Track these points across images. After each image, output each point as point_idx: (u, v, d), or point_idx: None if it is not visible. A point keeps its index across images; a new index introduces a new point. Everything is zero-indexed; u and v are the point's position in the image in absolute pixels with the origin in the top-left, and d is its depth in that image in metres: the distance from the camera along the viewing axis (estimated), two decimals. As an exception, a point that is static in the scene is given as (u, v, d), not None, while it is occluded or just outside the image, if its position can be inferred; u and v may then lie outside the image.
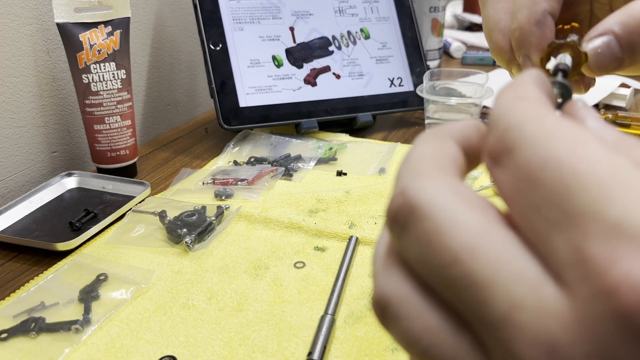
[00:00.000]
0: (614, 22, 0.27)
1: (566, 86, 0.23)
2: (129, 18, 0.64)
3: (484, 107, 0.86)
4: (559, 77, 0.24)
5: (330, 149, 0.72)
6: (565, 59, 0.28)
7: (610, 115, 0.79)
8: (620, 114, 0.80)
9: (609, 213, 0.13)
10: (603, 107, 0.89)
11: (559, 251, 0.14)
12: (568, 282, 0.13)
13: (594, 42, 0.27)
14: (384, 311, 0.17)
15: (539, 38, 0.29)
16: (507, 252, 0.14)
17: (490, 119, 0.17)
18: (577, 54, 0.28)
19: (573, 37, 0.30)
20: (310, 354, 0.37)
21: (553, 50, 0.29)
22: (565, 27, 0.36)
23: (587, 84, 0.33)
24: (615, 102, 0.89)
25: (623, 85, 0.90)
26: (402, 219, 0.16)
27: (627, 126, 0.79)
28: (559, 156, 0.14)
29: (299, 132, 0.77)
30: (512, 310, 0.14)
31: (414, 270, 0.16)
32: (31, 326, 0.41)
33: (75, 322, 0.41)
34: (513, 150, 0.15)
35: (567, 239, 0.13)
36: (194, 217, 0.53)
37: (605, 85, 0.89)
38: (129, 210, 0.57)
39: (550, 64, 0.29)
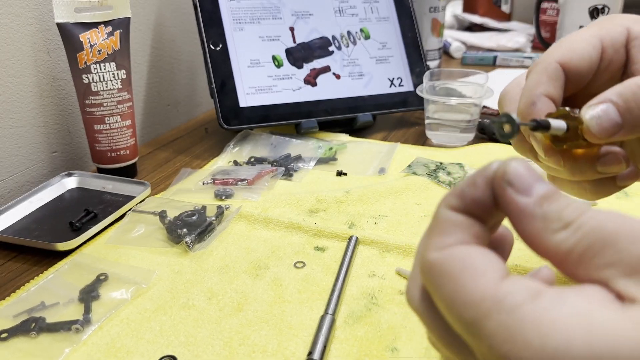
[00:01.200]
0: (611, 93, 0.31)
1: (512, 119, 0.27)
2: (129, 18, 0.64)
3: (484, 107, 0.86)
4: (513, 115, 0.27)
5: (330, 149, 0.72)
6: (559, 123, 0.31)
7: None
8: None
9: (481, 349, 0.20)
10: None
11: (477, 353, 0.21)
12: None
13: (593, 109, 0.31)
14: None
15: (536, 115, 0.34)
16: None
17: None
18: (571, 118, 0.32)
19: (574, 110, 0.33)
20: (310, 353, 0.37)
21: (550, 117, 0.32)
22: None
23: (636, 174, 0.37)
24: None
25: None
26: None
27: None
28: (452, 301, 0.21)
29: (299, 132, 0.77)
30: None
31: None
32: (31, 326, 0.41)
33: (75, 322, 0.41)
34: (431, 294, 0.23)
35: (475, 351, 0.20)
36: (194, 217, 0.53)
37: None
38: (129, 210, 0.57)
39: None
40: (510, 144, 0.37)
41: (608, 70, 0.36)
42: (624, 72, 0.36)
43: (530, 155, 0.38)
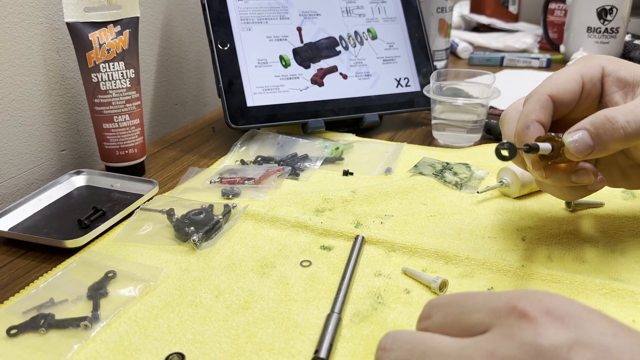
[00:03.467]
0: (586, 122, 0.41)
1: (512, 145, 0.39)
2: (137, 18, 0.64)
3: (491, 107, 0.86)
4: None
5: (337, 148, 0.72)
6: (546, 145, 0.41)
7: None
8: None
9: None
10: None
11: None
12: None
13: (572, 135, 0.41)
14: None
15: (529, 137, 0.43)
16: None
17: None
18: (556, 142, 0.42)
19: (558, 134, 0.42)
20: (317, 352, 0.38)
21: (539, 141, 0.42)
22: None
23: (603, 181, 0.45)
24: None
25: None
26: None
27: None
28: None
29: (305, 131, 0.77)
30: None
31: None
32: (40, 322, 0.41)
33: (84, 318, 0.41)
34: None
35: None
36: (201, 216, 0.54)
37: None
38: (137, 208, 0.57)
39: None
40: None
41: (587, 100, 0.46)
42: (600, 101, 0.46)
43: (521, 166, 0.48)
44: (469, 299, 0.28)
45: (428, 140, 0.78)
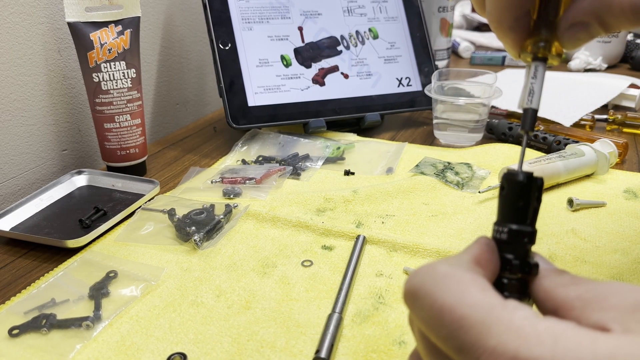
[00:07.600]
0: (587, 10, 0.32)
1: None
2: (139, 17, 0.64)
3: (493, 107, 0.86)
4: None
5: (338, 148, 0.72)
6: (539, 70, 0.32)
7: (619, 116, 0.79)
8: (630, 114, 0.79)
9: (489, 342, 0.21)
10: (612, 107, 0.89)
11: None
12: None
13: (572, 31, 0.32)
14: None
15: (513, 39, 0.34)
16: None
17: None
18: (550, 52, 0.32)
19: (544, 34, 0.33)
20: (318, 351, 0.38)
21: (527, 47, 0.33)
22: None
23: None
24: (625, 103, 0.89)
25: (633, 85, 0.90)
26: None
27: (637, 127, 0.79)
28: (451, 304, 0.22)
29: (306, 131, 0.77)
30: None
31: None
32: (42, 322, 0.41)
33: (85, 318, 0.41)
34: (417, 294, 0.25)
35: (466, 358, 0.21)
36: (202, 216, 0.54)
37: (615, 86, 0.89)
38: (138, 208, 0.57)
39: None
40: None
41: None
42: None
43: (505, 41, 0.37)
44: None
45: (429, 139, 0.78)
